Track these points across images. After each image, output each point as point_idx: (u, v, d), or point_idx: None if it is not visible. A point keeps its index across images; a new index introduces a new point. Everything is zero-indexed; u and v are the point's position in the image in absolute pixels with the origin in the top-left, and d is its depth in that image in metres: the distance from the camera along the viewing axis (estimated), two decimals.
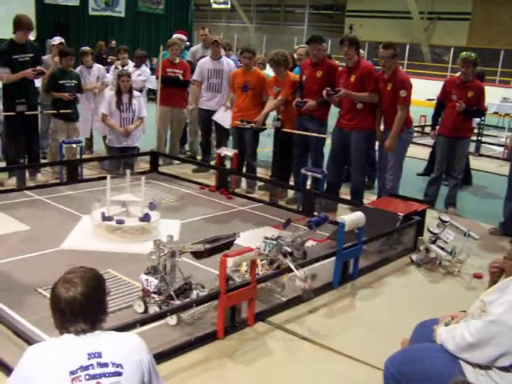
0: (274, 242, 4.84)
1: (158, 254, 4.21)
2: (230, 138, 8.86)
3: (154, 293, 4.17)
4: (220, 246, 4.25)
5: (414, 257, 5.68)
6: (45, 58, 9.09)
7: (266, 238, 4.83)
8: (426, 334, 3.07)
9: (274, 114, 7.87)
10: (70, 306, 2.18)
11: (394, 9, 31.13)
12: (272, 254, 4.72)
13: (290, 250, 4.74)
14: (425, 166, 9.79)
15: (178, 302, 4.08)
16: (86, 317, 2.20)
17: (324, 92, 6.88)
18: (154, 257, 4.24)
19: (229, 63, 8.86)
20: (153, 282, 4.16)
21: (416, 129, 12.84)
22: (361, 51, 7.52)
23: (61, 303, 2.19)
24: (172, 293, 4.16)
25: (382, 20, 32.00)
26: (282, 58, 7.51)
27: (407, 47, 30.41)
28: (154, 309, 4.12)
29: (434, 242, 5.59)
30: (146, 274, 4.26)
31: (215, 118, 8.69)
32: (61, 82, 8.04)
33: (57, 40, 9.55)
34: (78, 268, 2.32)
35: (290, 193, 7.82)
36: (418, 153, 10.87)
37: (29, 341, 3.23)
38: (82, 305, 2.18)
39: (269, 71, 8.60)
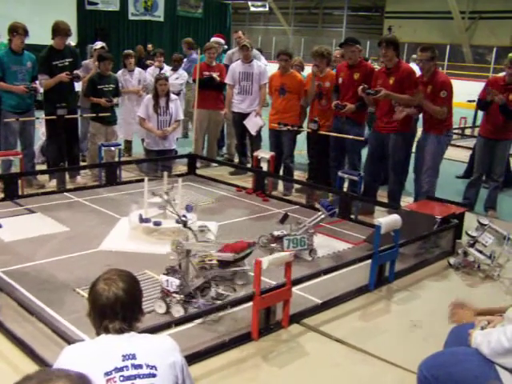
0: (299, 237, 4.99)
1: (176, 254, 4.32)
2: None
3: (175, 292, 4.22)
4: (245, 256, 4.50)
5: (452, 260, 5.60)
6: (86, 62, 9.27)
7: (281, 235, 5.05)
8: (462, 337, 3.02)
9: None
10: (110, 303, 2.23)
11: (434, 9, 30.77)
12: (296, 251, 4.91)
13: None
14: (464, 168, 9.65)
15: (201, 301, 4.15)
16: (125, 315, 2.25)
17: (360, 88, 6.82)
18: (172, 257, 4.34)
19: (259, 66, 8.88)
20: (174, 282, 4.21)
21: (456, 131, 12.67)
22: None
23: (102, 300, 2.24)
24: (192, 291, 4.23)
25: (421, 21, 31.67)
26: (326, 51, 7.54)
27: (447, 48, 29.99)
28: (176, 309, 4.16)
29: (472, 246, 5.50)
30: (165, 274, 4.32)
31: (245, 122, 8.73)
32: (99, 86, 8.19)
33: (98, 44, 9.75)
34: (114, 269, 2.39)
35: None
36: (458, 155, 10.72)
37: (67, 340, 3.29)
38: (122, 302, 2.24)
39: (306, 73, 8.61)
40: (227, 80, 8.95)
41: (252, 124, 8.64)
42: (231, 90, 8.94)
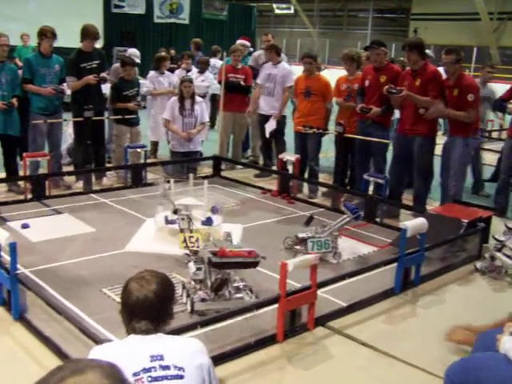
0: (323, 240, 5.02)
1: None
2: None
3: (193, 280, 4.30)
4: (237, 264, 4.29)
5: (479, 264, 5.54)
6: (116, 65, 9.36)
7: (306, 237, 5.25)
8: (490, 342, 3.00)
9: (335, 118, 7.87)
10: (139, 304, 2.26)
11: (461, 10, 30.46)
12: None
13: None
14: (492, 171, 9.53)
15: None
16: (153, 316, 2.28)
17: (385, 87, 6.80)
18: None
19: (284, 69, 8.86)
20: (192, 269, 4.33)
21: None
22: (430, 53, 7.40)
23: (132, 299, 2.27)
24: (209, 282, 4.30)
25: (448, 22, 31.38)
26: (356, 55, 7.55)
27: (474, 50, 29.67)
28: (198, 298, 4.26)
29: (499, 250, 5.44)
30: (194, 262, 4.49)
31: (266, 125, 8.77)
32: (124, 92, 8.26)
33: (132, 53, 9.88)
34: (150, 270, 2.42)
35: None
36: (485, 158, 10.57)
37: (94, 339, 3.33)
38: (151, 304, 2.27)
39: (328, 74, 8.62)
40: (258, 80, 8.98)
41: (268, 126, 8.69)
42: (258, 89, 8.96)
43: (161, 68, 9.66)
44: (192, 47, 11.80)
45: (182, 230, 5.15)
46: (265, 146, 9.24)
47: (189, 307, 4.27)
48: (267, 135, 8.73)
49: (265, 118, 8.81)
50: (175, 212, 5.31)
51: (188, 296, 4.31)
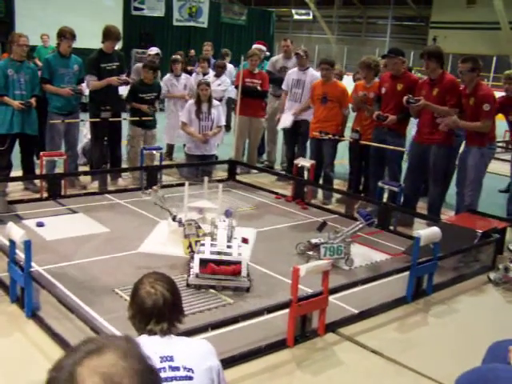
0: (336, 246, 5.06)
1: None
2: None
3: None
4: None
5: (492, 275, 5.50)
6: (138, 65, 9.40)
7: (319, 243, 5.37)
8: (502, 354, 2.97)
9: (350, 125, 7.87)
10: (159, 306, 2.29)
11: (481, 19, 30.29)
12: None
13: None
14: (508, 182, 9.46)
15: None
16: (171, 316, 2.32)
17: (404, 98, 6.78)
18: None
19: (313, 74, 8.86)
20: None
21: (499, 144, 12.43)
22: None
23: (149, 303, 2.29)
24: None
25: (467, 31, 31.22)
26: (374, 63, 7.54)
27: (494, 59, 29.46)
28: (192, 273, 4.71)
29: None
30: None
31: (281, 115, 8.83)
32: (141, 95, 8.29)
33: (154, 50, 9.92)
34: (154, 272, 2.45)
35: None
36: (501, 169, 10.51)
37: None
38: (169, 304, 2.31)
39: (346, 82, 8.61)
40: (283, 86, 9.01)
41: (283, 120, 8.73)
42: (285, 96, 8.98)
43: (174, 70, 9.69)
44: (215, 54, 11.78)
45: (186, 236, 5.19)
46: (290, 151, 9.21)
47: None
48: (279, 128, 8.72)
49: (292, 124, 8.83)
50: (174, 219, 5.47)
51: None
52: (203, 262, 4.71)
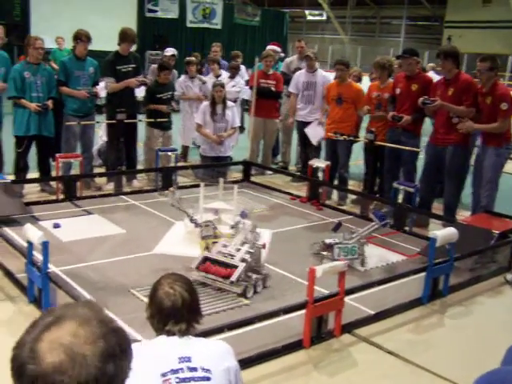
0: (350, 246, 5.07)
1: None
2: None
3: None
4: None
5: (509, 276, 5.47)
6: (155, 66, 9.45)
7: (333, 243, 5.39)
8: None
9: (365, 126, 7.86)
10: (178, 307, 2.30)
11: (496, 18, 30.04)
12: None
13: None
14: None
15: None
16: (190, 317, 2.33)
17: (420, 99, 6.75)
18: None
19: (323, 76, 8.87)
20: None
21: None
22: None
23: (168, 304, 2.31)
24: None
25: (482, 30, 30.98)
26: (388, 63, 7.52)
27: (510, 58, 29.22)
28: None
29: None
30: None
31: (306, 130, 8.74)
32: (158, 95, 8.33)
33: (170, 51, 9.96)
34: (172, 273, 2.47)
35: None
36: None
37: None
38: (188, 305, 2.32)
39: (364, 83, 8.59)
40: (290, 89, 9.01)
41: (313, 133, 8.66)
42: (295, 98, 8.97)
43: (189, 72, 9.73)
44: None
45: (203, 238, 5.21)
46: (303, 152, 9.21)
47: None
48: (315, 143, 8.70)
49: (303, 125, 8.83)
50: (191, 221, 5.51)
51: None
52: (205, 260, 4.80)
